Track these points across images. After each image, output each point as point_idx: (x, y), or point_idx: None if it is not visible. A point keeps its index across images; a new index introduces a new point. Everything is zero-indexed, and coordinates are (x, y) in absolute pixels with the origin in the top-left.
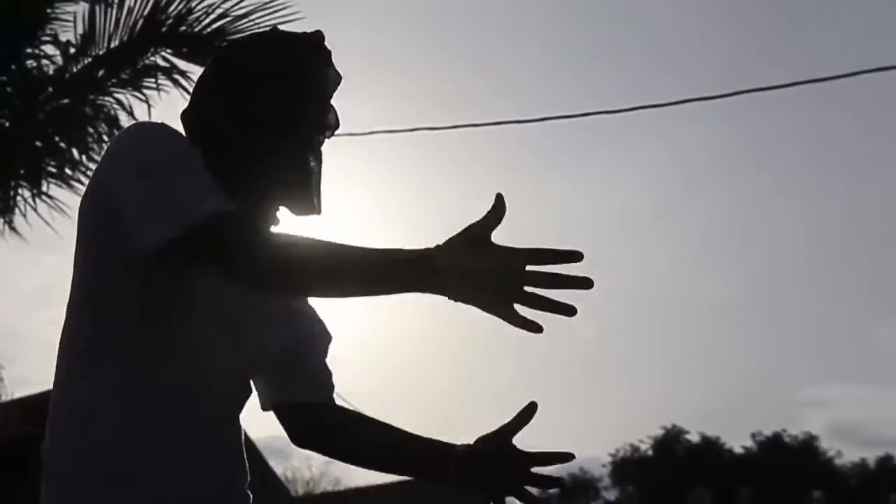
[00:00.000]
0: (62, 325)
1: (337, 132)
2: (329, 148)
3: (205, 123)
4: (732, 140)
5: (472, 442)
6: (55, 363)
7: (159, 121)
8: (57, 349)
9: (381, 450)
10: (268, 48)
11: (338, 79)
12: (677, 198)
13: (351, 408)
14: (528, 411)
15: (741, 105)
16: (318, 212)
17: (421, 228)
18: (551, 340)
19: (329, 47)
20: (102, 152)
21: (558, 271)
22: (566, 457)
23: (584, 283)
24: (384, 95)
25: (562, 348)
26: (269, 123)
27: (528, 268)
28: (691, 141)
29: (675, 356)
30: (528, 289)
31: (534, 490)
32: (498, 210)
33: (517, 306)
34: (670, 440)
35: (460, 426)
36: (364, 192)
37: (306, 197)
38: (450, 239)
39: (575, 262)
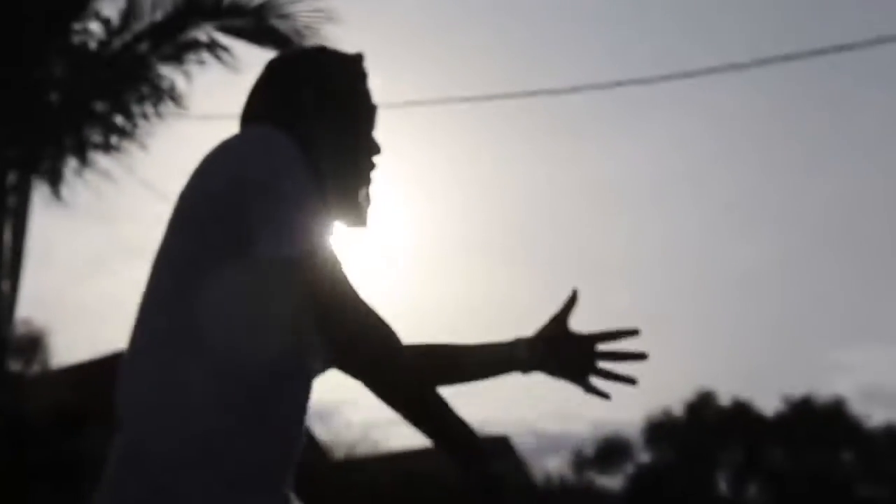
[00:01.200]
0: (146, 300)
1: (385, 104)
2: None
3: (302, 134)
4: (763, 108)
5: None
6: (139, 332)
7: (276, 134)
8: (140, 319)
9: (457, 360)
10: (346, 68)
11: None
12: (708, 165)
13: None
14: (573, 298)
15: (771, 73)
16: (366, 225)
17: (459, 200)
18: (583, 304)
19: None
20: (222, 149)
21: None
22: (629, 333)
23: (640, 357)
24: (415, 68)
25: (594, 315)
26: (354, 143)
27: (599, 346)
28: (722, 109)
29: (706, 321)
30: (599, 364)
31: (614, 366)
32: (572, 303)
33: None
34: (702, 403)
35: (491, 385)
36: (399, 164)
37: (363, 212)
38: (535, 338)
39: (634, 336)
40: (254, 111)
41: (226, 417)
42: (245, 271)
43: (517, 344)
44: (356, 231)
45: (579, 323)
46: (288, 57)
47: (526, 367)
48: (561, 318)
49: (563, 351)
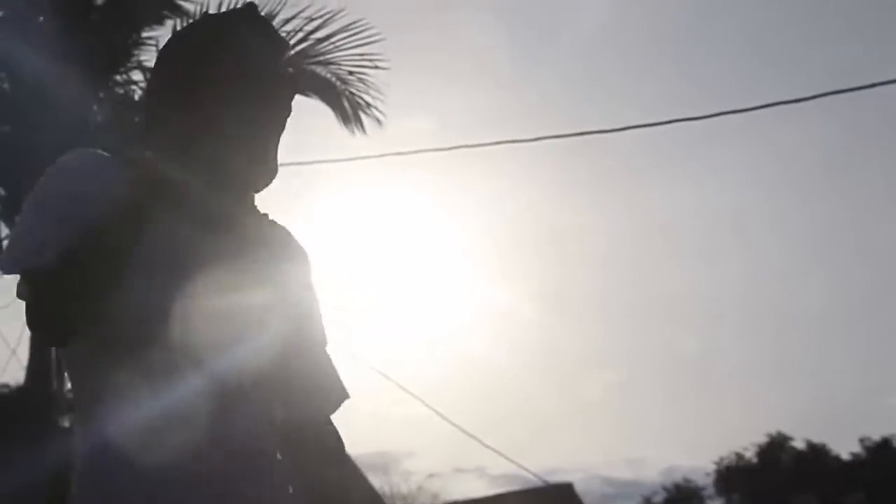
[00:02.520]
0: None
1: (424, 149)
2: (412, 165)
3: (163, 118)
4: (834, 141)
5: None
6: None
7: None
8: None
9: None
10: (203, 32)
11: (279, 46)
12: (779, 202)
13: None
14: None
15: (841, 105)
16: (273, 177)
17: (519, 243)
18: (653, 348)
19: (263, 17)
20: None
21: None
22: None
23: None
24: (468, 110)
25: (664, 356)
26: (223, 109)
27: None
28: (791, 143)
29: (779, 363)
30: None
31: None
32: None
33: None
34: (775, 447)
35: (557, 432)
36: (452, 208)
37: (263, 168)
38: None
39: None
40: (146, 116)
41: None
42: None
43: None
44: (266, 186)
45: (653, 371)
46: (168, 43)
47: None
48: None
49: None
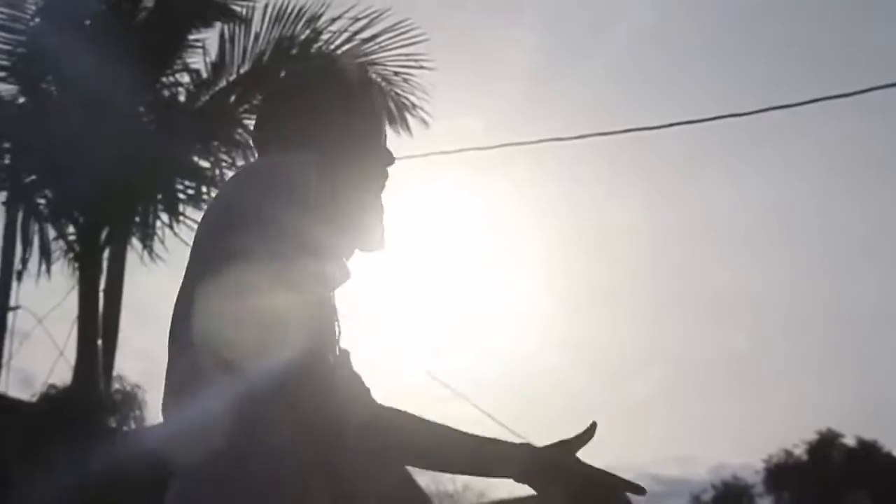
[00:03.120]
0: None
1: (468, 148)
2: (458, 165)
3: (315, 152)
4: (882, 136)
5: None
6: None
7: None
8: None
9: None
10: (351, 86)
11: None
12: (827, 198)
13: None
14: (591, 430)
15: (888, 99)
16: (384, 247)
17: (566, 241)
18: (701, 346)
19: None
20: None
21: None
22: (637, 489)
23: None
24: (512, 110)
25: (713, 354)
26: (360, 157)
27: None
28: (838, 139)
29: (829, 360)
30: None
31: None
32: (588, 436)
33: None
34: (826, 444)
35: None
36: (498, 207)
37: (380, 233)
38: (535, 458)
39: (641, 494)
40: (268, 132)
41: None
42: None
43: (510, 458)
44: (375, 254)
45: (702, 368)
46: (304, 72)
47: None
48: (570, 447)
49: (560, 480)
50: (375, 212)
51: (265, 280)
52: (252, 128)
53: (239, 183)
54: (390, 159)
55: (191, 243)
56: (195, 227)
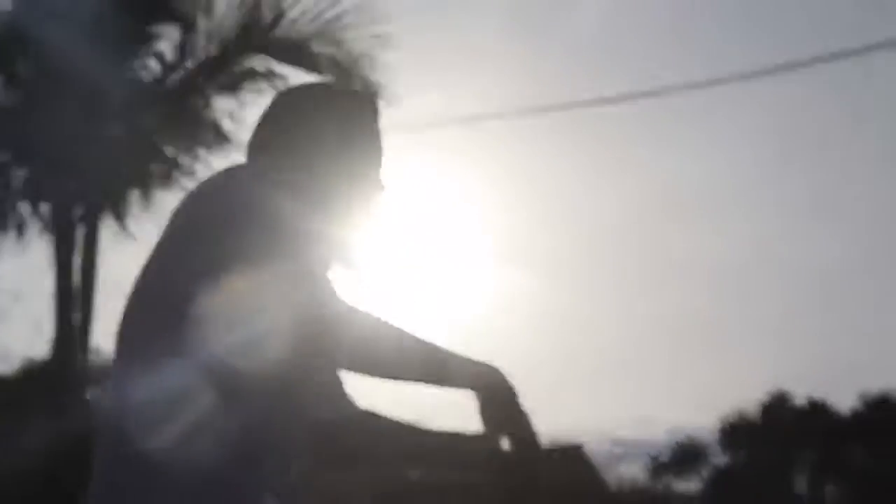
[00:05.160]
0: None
1: (442, 122)
2: (427, 140)
3: (302, 167)
4: (833, 103)
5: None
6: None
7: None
8: None
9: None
10: (357, 107)
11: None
12: (780, 165)
13: None
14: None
15: (839, 68)
16: (356, 268)
17: (526, 211)
18: (659, 312)
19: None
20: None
21: None
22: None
23: None
24: (470, 84)
25: (670, 319)
26: (360, 174)
27: None
28: (791, 106)
29: (781, 322)
30: None
31: None
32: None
33: None
34: (777, 404)
35: (565, 395)
36: (468, 180)
37: (352, 252)
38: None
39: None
40: (261, 140)
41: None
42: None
43: (470, 371)
44: (346, 271)
45: (659, 333)
46: (300, 91)
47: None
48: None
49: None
50: (359, 232)
51: (260, 277)
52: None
53: (230, 186)
54: (381, 190)
55: (164, 220)
56: (166, 205)
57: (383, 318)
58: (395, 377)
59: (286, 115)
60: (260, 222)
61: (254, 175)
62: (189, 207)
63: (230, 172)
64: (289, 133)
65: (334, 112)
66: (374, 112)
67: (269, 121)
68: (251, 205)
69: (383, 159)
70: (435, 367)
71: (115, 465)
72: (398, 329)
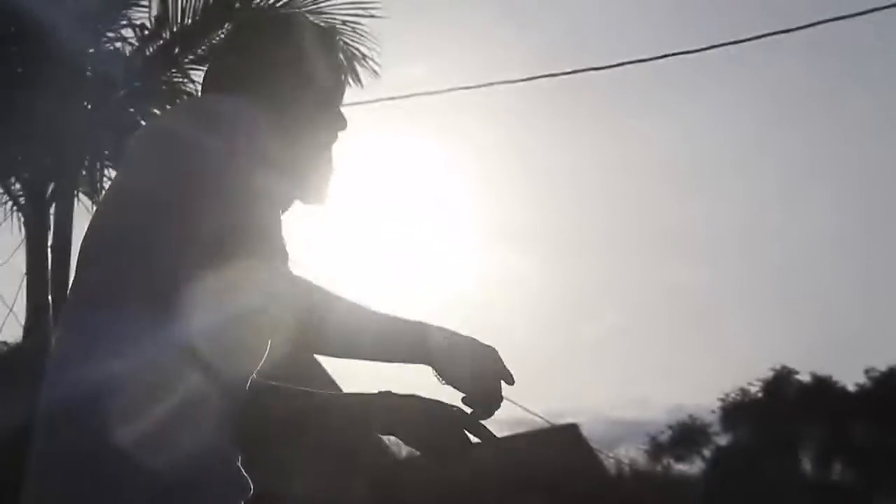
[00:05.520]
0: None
1: (415, 93)
2: (409, 111)
3: (266, 100)
4: (825, 69)
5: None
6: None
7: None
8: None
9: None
10: (304, 41)
11: (344, 70)
12: (774, 133)
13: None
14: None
15: (831, 33)
16: (325, 202)
17: (516, 185)
18: (654, 287)
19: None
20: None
21: None
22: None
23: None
24: (456, 54)
25: (665, 294)
26: (322, 105)
27: None
28: (783, 73)
29: (780, 297)
30: None
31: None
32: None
33: None
34: (780, 381)
35: (562, 375)
36: (447, 152)
37: (322, 187)
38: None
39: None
40: (220, 72)
41: None
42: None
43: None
44: (315, 207)
45: (655, 309)
46: (258, 21)
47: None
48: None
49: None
50: (321, 167)
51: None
52: (200, 79)
53: (188, 118)
54: (342, 123)
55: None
56: None
57: (329, 290)
58: (346, 356)
59: (238, 49)
60: (223, 142)
61: (218, 99)
62: (152, 136)
63: (191, 100)
64: (251, 63)
65: (294, 43)
66: (334, 46)
67: (230, 51)
68: (215, 121)
69: (343, 94)
70: (389, 343)
71: (78, 453)
72: (347, 302)
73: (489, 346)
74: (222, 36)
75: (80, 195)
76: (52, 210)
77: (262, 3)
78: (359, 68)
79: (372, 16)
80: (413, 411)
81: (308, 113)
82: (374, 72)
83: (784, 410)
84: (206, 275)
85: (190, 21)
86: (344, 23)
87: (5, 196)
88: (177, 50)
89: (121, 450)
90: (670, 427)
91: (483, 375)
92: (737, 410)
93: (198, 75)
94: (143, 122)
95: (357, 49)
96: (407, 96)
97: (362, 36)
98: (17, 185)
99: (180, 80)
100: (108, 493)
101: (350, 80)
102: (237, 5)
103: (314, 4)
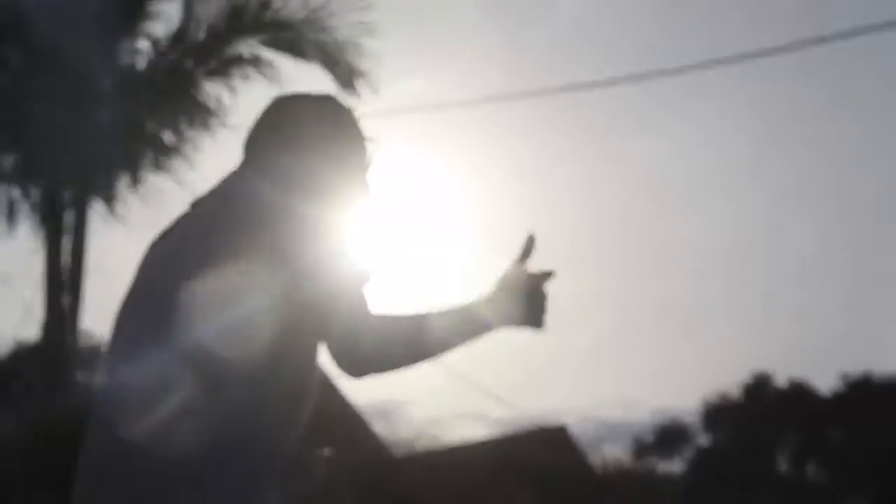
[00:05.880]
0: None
1: (412, 107)
2: (402, 125)
3: (304, 166)
4: (814, 90)
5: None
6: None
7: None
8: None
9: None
10: (346, 120)
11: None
12: (761, 152)
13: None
14: (530, 241)
15: (821, 54)
16: (370, 194)
17: (508, 200)
18: (641, 297)
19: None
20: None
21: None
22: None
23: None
24: (454, 70)
25: (652, 302)
26: (355, 171)
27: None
28: (772, 93)
29: (759, 305)
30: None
31: None
32: (529, 247)
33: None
34: (759, 386)
35: (552, 378)
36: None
37: (364, 188)
38: (496, 293)
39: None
40: (259, 144)
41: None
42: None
43: (476, 306)
44: (365, 202)
45: (642, 318)
46: (292, 100)
47: (491, 327)
48: (520, 264)
49: (526, 297)
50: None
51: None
52: (225, 98)
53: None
54: (370, 194)
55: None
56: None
57: (395, 313)
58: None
59: (283, 120)
60: (271, 218)
61: (261, 176)
62: (197, 214)
63: (236, 176)
64: (287, 137)
65: (327, 118)
66: (357, 120)
67: (266, 125)
68: (260, 202)
69: (368, 163)
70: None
71: (102, 451)
72: (413, 317)
73: (512, 290)
74: (262, 112)
75: (95, 201)
76: (68, 216)
77: (271, 18)
78: (358, 84)
79: (372, 34)
80: (511, 300)
81: (346, 184)
82: (374, 88)
83: (762, 413)
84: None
85: (203, 37)
86: (346, 42)
87: (24, 202)
88: (191, 63)
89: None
90: (654, 428)
91: (534, 304)
92: (718, 413)
93: (211, 88)
94: (155, 134)
95: (357, 67)
96: (404, 111)
97: (363, 55)
98: (36, 193)
99: (192, 93)
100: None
101: (350, 95)
102: (247, 20)
103: (318, 23)
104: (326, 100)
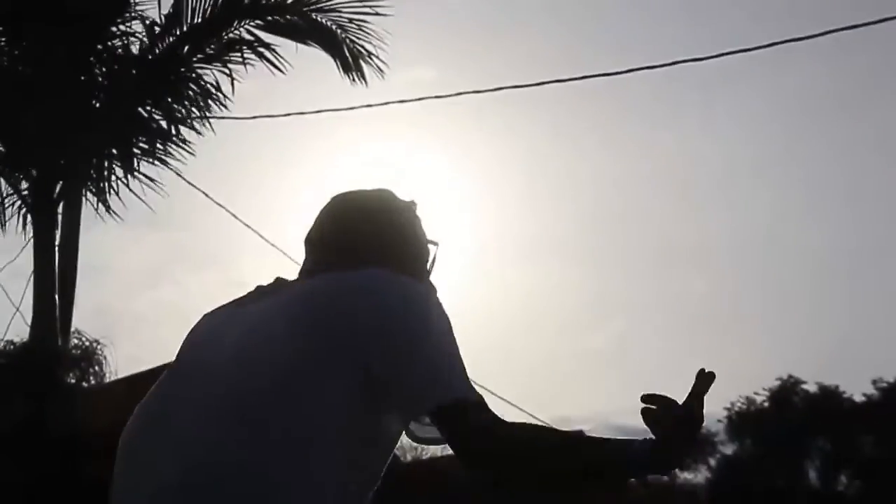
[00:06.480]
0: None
1: (424, 96)
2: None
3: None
4: (847, 78)
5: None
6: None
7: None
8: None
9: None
10: (412, 216)
11: None
12: (780, 146)
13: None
14: (707, 377)
15: (834, 47)
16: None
17: (527, 193)
18: (662, 295)
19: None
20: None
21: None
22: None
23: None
24: (469, 56)
25: (671, 305)
26: (423, 257)
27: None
28: (803, 81)
29: (787, 306)
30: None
31: None
32: (707, 382)
33: None
34: (787, 391)
35: (568, 382)
36: (458, 158)
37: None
38: (663, 437)
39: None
40: (344, 245)
41: None
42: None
43: (640, 446)
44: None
45: (662, 317)
46: (361, 202)
47: (648, 471)
48: (697, 397)
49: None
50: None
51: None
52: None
53: (391, 297)
54: (432, 272)
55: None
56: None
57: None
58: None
59: (358, 220)
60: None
61: (393, 276)
62: (323, 307)
63: (369, 276)
64: (370, 235)
65: (396, 212)
66: (418, 215)
67: (342, 227)
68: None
69: (431, 254)
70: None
71: None
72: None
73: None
74: (332, 216)
75: (88, 194)
76: (59, 209)
77: (272, 2)
78: (364, 66)
79: (378, 14)
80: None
81: (422, 262)
82: (380, 70)
83: (790, 420)
84: None
85: (199, 20)
86: (350, 20)
87: (13, 195)
88: (186, 49)
89: None
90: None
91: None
92: (743, 419)
93: (206, 74)
94: (151, 121)
95: (362, 47)
96: (416, 99)
97: (368, 34)
98: (25, 184)
99: (189, 77)
100: None
101: (355, 78)
102: (246, 2)
103: (325, 2)
104: (384, 195)
